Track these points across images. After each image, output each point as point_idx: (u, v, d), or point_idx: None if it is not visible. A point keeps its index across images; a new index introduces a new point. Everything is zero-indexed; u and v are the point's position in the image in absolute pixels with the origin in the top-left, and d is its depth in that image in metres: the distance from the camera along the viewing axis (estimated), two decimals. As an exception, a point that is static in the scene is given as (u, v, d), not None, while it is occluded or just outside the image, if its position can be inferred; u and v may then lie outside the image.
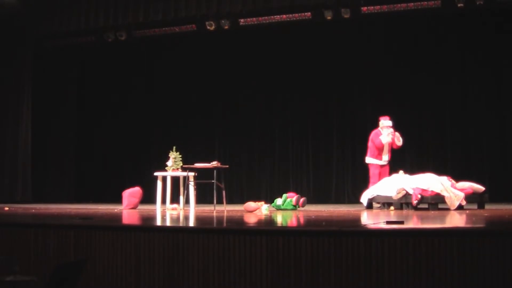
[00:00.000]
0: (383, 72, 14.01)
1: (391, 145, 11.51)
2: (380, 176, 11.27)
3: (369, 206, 10.83)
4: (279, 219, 8.31)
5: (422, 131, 13.80)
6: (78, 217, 8.35)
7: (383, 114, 11.64)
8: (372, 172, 11.52)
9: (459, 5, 12.15)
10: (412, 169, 11.28)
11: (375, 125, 11.64)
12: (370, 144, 11.60)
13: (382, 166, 11.47)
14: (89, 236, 6.69)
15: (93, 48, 15.85)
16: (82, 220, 7.66)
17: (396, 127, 11.61)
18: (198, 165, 11.21)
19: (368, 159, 11.61)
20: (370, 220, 7.81)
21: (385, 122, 11.50)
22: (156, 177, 11.52)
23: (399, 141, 11.49)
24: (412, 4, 12.55)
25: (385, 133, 11.46)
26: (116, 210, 11.09)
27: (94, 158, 16.40)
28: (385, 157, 11.49)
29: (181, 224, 7.70)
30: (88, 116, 16.50)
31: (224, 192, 11.36)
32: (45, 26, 14.33)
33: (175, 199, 11.90)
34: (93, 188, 15.92)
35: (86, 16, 13.77)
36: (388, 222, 6.62)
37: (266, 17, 13.49)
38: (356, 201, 11.95)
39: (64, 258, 6.64)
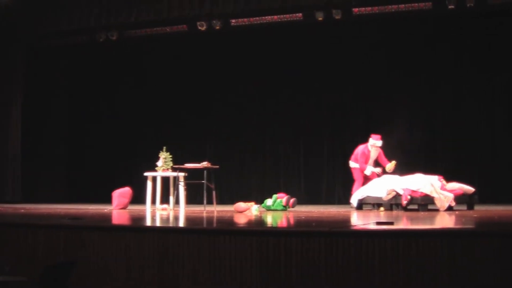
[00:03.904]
0: (375, 73, 14.01)
1: (378, 159, 11.49)
2: (365, 178, 11.31)
3: (359, 207, 10.86)
4: (269, 219, 8.32)
5: (414, 131, 13.81)
6: (68, 217, 8.33)
7: (375, 132, 11.55)
8: (357, 175, 11.53)
9: (449, 7, 12.18)
10: (402, 170, 11.30)
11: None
12: (356, 156, 11.51)
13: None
14: (79, 237, 6.67)
15: (85, 48, 15.78)
16: (72, 221, 7.64)
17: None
18: (188, 165, 11.19)
19: (353, 164, 11.60)
20: (360, 221, 7.83)
21: (377, 142, 11.35)
22: (146, 177, 11.50)
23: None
24: (403, 5, 12.57)
25: (373, 151, 11.35)
26: (106, 210, 11.06)
27: (85, 158, 16.35)
28: (373, 169, 11.47)
29: (171, 225, 7.70)
30: (80, 116, 16.45)
31: (214, 193, 11.35)
32: (37, 26, 14.26)
33: (165, 200, 11.88)
34: (83, 188, 15.87)
35: (78, 16, 13.73)
36: (378, 223, 6.64)
37: (258, 18, 13.47)
38: (347, 202, 11.95)
39: (54, 259, 6.62)
